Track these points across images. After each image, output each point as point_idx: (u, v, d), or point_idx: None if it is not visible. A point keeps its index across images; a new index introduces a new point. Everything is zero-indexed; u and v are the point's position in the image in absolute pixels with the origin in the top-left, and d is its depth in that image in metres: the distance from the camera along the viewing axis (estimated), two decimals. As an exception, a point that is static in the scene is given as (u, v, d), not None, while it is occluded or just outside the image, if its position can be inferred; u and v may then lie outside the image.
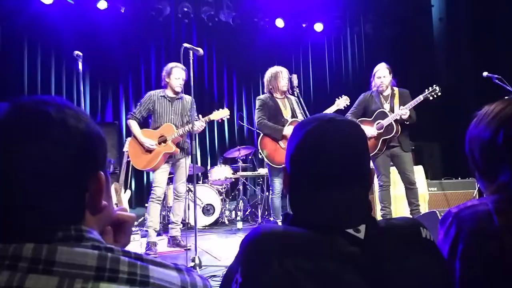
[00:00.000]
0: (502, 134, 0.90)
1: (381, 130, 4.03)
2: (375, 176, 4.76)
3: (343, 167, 0.82)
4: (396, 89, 4.20)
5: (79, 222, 0.58)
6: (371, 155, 4.09)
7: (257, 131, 4.30)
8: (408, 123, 4.02)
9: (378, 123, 4.07)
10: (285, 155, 0.91)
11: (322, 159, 0.82)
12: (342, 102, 4.28)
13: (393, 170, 4.22)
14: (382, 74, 4.14)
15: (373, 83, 4.23)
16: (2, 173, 0.53)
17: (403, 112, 3.92)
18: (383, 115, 4.06)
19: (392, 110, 4.07)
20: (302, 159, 0.86)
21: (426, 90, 4.01)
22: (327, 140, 0.83)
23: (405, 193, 4.12)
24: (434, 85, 4.00)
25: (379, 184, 4.15)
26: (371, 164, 4.11)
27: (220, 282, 0.89)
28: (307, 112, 3.95)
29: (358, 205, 0.83)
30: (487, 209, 0.87)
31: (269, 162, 4.07)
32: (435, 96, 3.99)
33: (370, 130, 4.05)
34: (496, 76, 3.89)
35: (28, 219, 0.55)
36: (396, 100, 4.12)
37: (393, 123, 3.99)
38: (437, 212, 2.68)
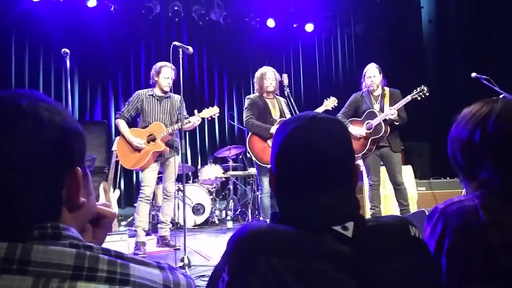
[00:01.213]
0: (479, 131, 0.92)
1: (370, 130, 4.05)
2: (365, 176, 4.77)
3: (329, 166, 0.81)
4: (387, 89, 4.22)
5: (56, 219, 0.57)
6: (360, 154, 4.11)
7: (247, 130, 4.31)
8: (398, 123, 4.03)
9: (368, 123, 4.08)
10: (270, 156, 0.90)
11: (307, 158, 0.81)
12: (330, 103, 4.30)
13: (383, 170, 4.25)
14: (372, 73, 4.15)
15: (363, 83, 4.24)
16: None
17: (391, 112, 3.94)
18: (373, 115, 4.08)
19: (382, 110, 4.08)
20: (287, 160, 0.84)
21: (414, 90, 4.04)
22: (311, 139, 0.82)
23: (393, 194, 4.15)
24: (423, 86, 4.02)
25: (369, 183, 4.16)
26: (361, 163, 4.15)
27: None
28: (297, 112, 3.96)
29: (345, 202, 0.83)
30: (473, 205, 0.88)
31: (257, 161, 4.08)
32: (423, 96, 4.01)
33: (359, 130, 4.07)
34: (484, 76, 3.93)
35: (1, 215, 0.53)
36: (387, 100, 4.14)
37: (382, 123, 4.00)
38: (425, 211, 2.70)
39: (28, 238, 0.53)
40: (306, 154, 0.81)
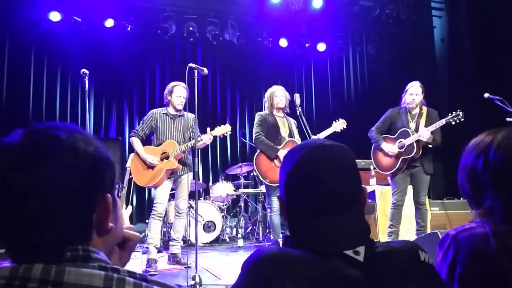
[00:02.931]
0: (482, 160, 0.95)
1: (402, 149, 3.98)
2: (377, 195, 4.71)
3: (337, 193, 0.84)
4: (425, 108, 4.12)
5: (86, 243, 0.60)
6: (389, 172, 4.04)
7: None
8: (431, 146, 3.95)
9: (400, 141, 4.02)
10: (279, 184, 0.93)
11: (314, 186, 0.84)
12: (339, 125, 4.28)
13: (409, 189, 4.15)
14: (415, 91, 4.06)
15: (403, 99, 4.14)
16: (14, 194, 0.56)
17: (424, 134, 3.85)
18: (406, 134, 4.00)
19: (416, 129, 3.99)
20: (295, 188, 0.87)
21: (450, 114, 3.91)
22: (318, 167, 0.85)
23: (411, 214, 4.10)
24: (458, 110, 3.89)
25: (392, 201, 4.05)
26: (390, 181, 4.08)
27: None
28: (309, 131, 3.99)
29: (354, 226, 0.85)
30: (484, 232, 0.89)
31: (263, 180, 4.10)
32: (457, 121, 3.88)
33: (391, 148, 4.02)
34: (497, 97, 3.90)
35: (37, 238, 0.57)
36: (423, 120, 4.04)
37: (414, 143, 3.92)
38: (438, 233, 2.67)
39: (61, 259, 0.57)
40: (313, 182, 0.84)
